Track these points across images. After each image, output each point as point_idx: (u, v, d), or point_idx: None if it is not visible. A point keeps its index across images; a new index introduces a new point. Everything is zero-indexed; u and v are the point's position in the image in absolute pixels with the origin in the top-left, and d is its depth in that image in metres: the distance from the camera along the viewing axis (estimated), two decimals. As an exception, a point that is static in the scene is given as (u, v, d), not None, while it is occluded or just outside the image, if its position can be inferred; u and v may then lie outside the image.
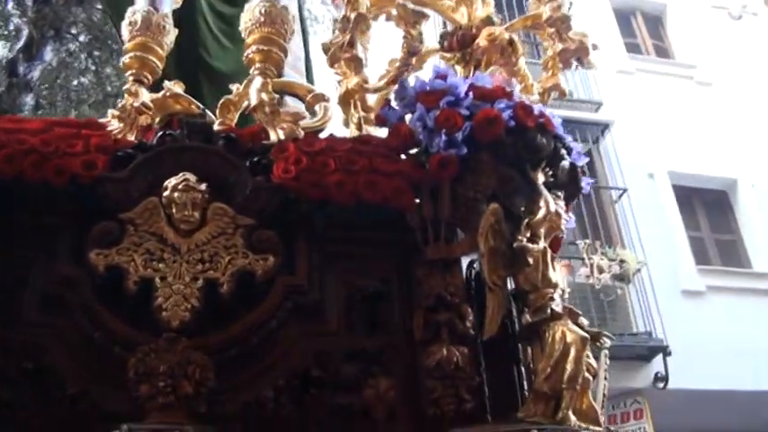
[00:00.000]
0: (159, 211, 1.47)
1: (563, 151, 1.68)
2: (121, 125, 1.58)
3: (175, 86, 1.73)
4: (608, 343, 1.61)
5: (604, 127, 9.63)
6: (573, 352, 1.46)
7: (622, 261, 8.60)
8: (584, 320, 1.55)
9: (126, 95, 1.61)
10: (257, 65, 1.65)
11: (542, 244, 1.57)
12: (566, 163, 1.70)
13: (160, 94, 1.69)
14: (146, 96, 1.63)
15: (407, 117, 1.68)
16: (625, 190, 9.10)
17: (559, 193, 1.67)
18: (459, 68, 1.99)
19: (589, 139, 9.67)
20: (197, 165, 1.51)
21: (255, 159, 1.53)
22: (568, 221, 1.69)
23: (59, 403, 1.39)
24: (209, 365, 1.38)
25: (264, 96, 1.60)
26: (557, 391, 1.44)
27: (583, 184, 1.80)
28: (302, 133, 1.60)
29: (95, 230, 1.44)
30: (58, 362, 1.40)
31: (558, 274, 1.61)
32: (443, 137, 1.58)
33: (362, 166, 1.55)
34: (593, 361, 1.54)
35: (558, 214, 1.63)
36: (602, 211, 9.37)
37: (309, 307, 1.52)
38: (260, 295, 1.48)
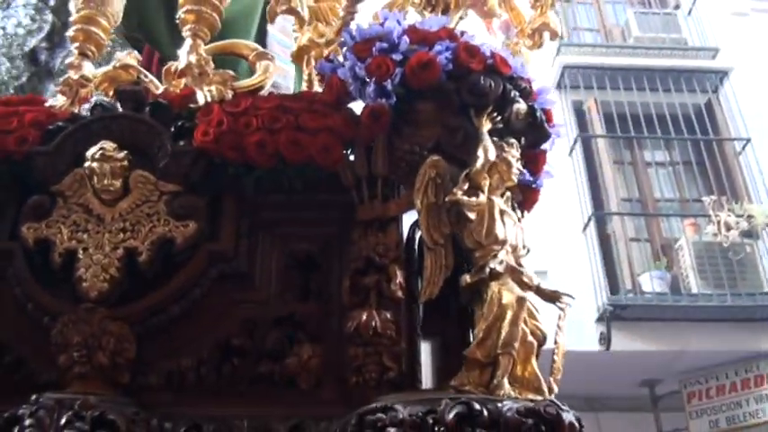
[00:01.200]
0: (86, 182, 1.47)
1: (514, 93, 1.51)
2: (64, 99, 1.60)
3: (128, 58, 1.73)
4: (569, 303, 1.44)
5: (723, 75, 8.81)
6: (509, 314, 1.32)
7: (750, 216, 7.93)
8: (530, 277, 1.38)
9: (68, 69, 1.63)
10: (189, 26, 1.60)
11: (484, 197, 1.42)
12: (520, 107, 1.52)
13: (110, 66, 1.69)
14: (88, 69, 1.64)
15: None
16: (748, 140, 8.30)
17: (512, 141, 1.50)
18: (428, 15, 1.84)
19: (708, 89, 8.91)
20: (125, 134, 1.50)
21: (180, 124, 1.50)
22: (522, 173, 1.52)
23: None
24: (127, 336, 1.37)
25: (192, 58, 1.56)
26: (491, 358, 1.30)
27: (551, 129, 1.61)
28: (230, 94, 1.54)
29: (27, 205, 1.47)
30: (-1, 331, 1.45)
31: (512, 229, 1.46)
32: (373, 86, 1.47)
33: (286, 123, 1.47)
34: (542, 324, 1.38)
35: (507, 163, 1.47)
36: (725, 164, 8.64)
37: (237, 275, 1.47)
38: (187, 264, 1.45)
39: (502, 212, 1.46)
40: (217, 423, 1.32)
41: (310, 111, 1.50)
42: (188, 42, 1.59)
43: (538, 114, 1.55)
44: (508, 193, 1.51)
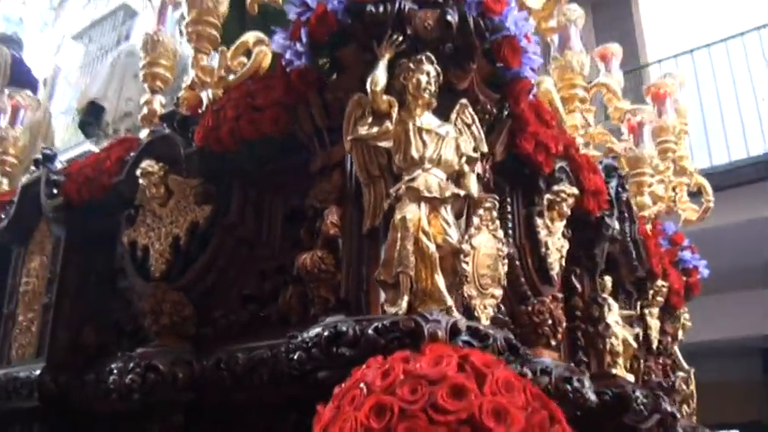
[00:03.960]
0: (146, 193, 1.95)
1: (411, 7, 1.48)
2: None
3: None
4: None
5: None
6: (399, 234, 1.37)
7: None
8: (440, 188, 1.39)
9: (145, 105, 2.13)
10: (192, 43, 1.95)
11: (390, 123, 1.46)
12: (424, 19, 1.49)
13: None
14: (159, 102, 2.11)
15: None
16: None
17: (423, 56, 1.47)
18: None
19: None
20: (161, 150, 1.94)
21: (191, 129, 1.87)
22: (430, 85, 1.48)
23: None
24: (182, 300, 1.80)
25: (197, 72, 1.91)
26: (394, 278, 1.38)
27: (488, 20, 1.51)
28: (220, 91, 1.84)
29: (122, 216, 2.02)
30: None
31: (435, 143, 1.46)
32: (291, 49, 1.62)
33: (245, 107, 1.72)
34: (453, 236, 1.37)
35: (415, 81, 1.46)
36: None
37: (248, 239, 1.78)
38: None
39: (420, 130, 1.47)
40: (244, 353, 1.65)
41: (266, 88, 1.72)
42: (192, 57, 1.95)
43: (449, 18, 1.49)
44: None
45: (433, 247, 1.36)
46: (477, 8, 1.55)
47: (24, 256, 2.18)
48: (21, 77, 4.15)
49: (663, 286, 2.73)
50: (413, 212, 1.37)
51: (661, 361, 2.91)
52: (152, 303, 1.81)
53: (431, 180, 1.43)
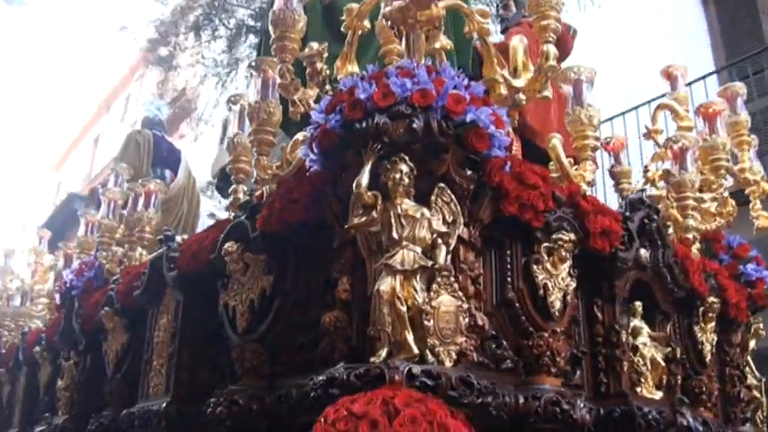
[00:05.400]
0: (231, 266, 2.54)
1: (385, 121, 1.92)
2: (235, 214, 2.71)
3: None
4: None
5: None
6: (376, 302, 1.81)
7: None
8: (411, 260, 1.82)
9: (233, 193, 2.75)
10: (255, 148, 2.53)
11: (376, 212, 1.91)
12: (398, 131, 1.92)
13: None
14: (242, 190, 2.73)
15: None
16: None
17: (397, 157, 1.92)
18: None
19: None
20: (238, 233, 2.52)
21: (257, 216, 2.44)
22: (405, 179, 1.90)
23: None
24: (258, 349, 2.36)
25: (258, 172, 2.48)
26: (378, 333, 1.82)
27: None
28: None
29: (220, 283, 2.63)
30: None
31: (411, 225, 1.90)
32: (308, 156, 2.13)
33: (286, 200, 2.25)
34: (419, 299, 1.80)
35: (393, 180, 1.91)
36: None
37: (299, 301, 2.31)
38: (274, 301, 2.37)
39: (398, 216, 1.91)
40: (296, 389, 2.17)
41: (298, 185, 2.25)
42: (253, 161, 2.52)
43: (415, 126, 1.92)
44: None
45: (404, 309, 1.80)
46: (441, 112, 1.96)
47: (156, 315, 2.87)
48: (163, 154, 5.06)
49: (714, 302, 2.88)
50: (386, 284, 1.82)
51: (728, 372, 3.06)
52: (238, 352, 2.40)
53: (407, 255, 1.87)
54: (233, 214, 2.71)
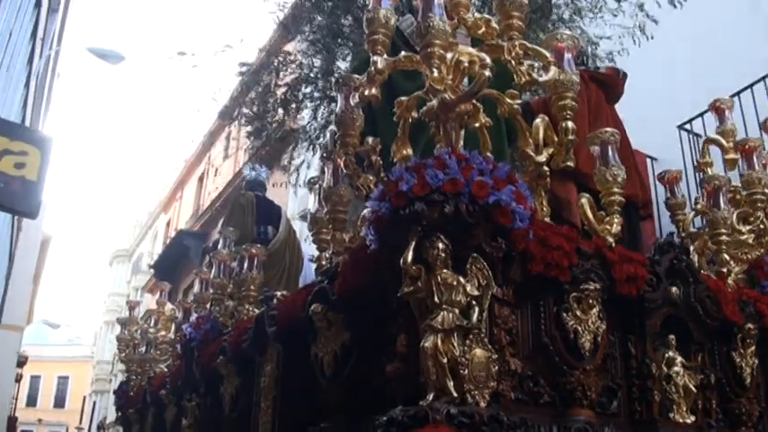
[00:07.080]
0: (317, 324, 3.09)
1: (422, 207, 2.40)
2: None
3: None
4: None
5: None
6: (423, 354, 2.28)
7: None
8: (451, 320, 2.28)
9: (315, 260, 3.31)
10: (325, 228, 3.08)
11: (420, 282, 2.38)
12: (433, 215, 2.40)
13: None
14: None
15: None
16: None
17: (435, 236, 2.39)
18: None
19: None
20: (322, 297, 3.07)
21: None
22: (443, 254, 2.37)
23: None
24: (341, 392, 2.89)
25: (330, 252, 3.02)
26: (426, 381, 2.29)
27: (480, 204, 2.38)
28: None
29: (310, 337, 3.19)
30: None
31: (450, 289, 2.36)
32: (367, 236, 2.64)
33: (351, 270, 2.77)
34: (457, 352, 2.25)
35: (432, 256, 2.38)
36: None
37: (372, 353, 2.81)
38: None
39: (438, 284, 2.38)
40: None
41: (363, 257, 2.76)
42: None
43: (447, 210, 2.38)
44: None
45: (444, 361, 2.26)
46: (468, 197, 2.42)
47: (262, 363, 3.47)
48: (265, 212, 5.75)
49: (751, 329, 3.15)
50: (430, 341, 2.28)
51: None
52: (326, 394, 2.94)
53: (446, 316, 2.33)
54: (319, 278, 3.27)
